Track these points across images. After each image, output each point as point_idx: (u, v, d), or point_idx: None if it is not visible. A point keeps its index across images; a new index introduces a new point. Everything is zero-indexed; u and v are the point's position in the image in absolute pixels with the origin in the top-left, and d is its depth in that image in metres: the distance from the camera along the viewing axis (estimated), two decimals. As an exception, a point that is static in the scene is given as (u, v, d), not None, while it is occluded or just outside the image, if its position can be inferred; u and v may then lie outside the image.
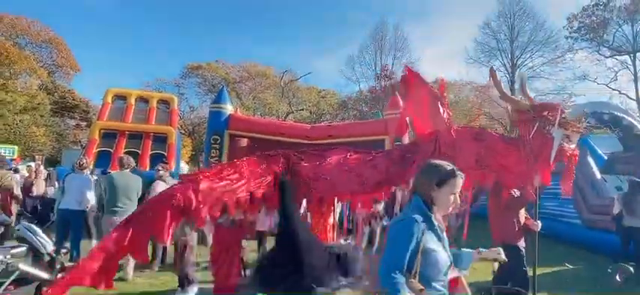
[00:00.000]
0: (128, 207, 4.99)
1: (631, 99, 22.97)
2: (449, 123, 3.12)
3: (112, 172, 6.04)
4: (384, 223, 6.21)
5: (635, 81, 22.49)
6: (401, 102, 10.19)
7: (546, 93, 24.39)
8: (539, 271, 3.59)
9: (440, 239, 1.76)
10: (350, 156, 3.01)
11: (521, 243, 4.04)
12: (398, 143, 9.60)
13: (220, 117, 9.58)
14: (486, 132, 3.11)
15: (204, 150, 10.34)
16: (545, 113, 2.86)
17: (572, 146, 2.97)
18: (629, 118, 7.57)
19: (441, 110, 3.17)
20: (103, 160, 10.62)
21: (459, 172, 1.80)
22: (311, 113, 30.17)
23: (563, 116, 2.85)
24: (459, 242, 3.92)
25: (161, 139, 12.05)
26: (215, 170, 2.86)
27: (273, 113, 28.00)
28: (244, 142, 11.18)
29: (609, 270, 6.06)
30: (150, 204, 2.87)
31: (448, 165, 1.82)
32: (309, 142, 9.81)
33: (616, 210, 6.50)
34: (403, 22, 51.06)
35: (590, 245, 7.31)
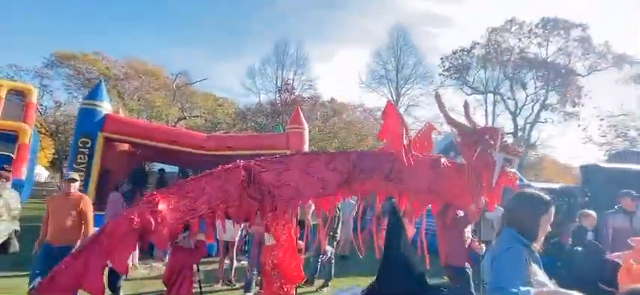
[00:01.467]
0: None
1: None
2: (408, 150, 3.22)
3: None
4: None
5: (487, 116, 27.48)
6: (303, 118, 10.32)
7: (423, 121, 27.98)
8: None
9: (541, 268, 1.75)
10: (310, 161, 3.07)
11: (467, 265, 3.90)
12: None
13: (93, 117, 8.09)
14: (441, 161, 3.23)
15: (70, 153, 8.62)
16: (487, 136, 2.97)
17: (513, 169, 3.11)
18: None
19: (405, 139, 3.27)
20: None
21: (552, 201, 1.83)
22: (206, 121, 28.43)
23: (503, 140, 2.98)
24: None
25: (9, 138, 9.63)
26: (173, 189, 2.80)
27: (163, 118, 25.46)
28: (124, 147, 9.74)
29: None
30: (105, 230, 2.62)
31: (546, 195, 1.85)
32: (205, 153, 9.06)
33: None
34: (303, 42, 52.90)
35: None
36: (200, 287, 3.74)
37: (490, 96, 27.49)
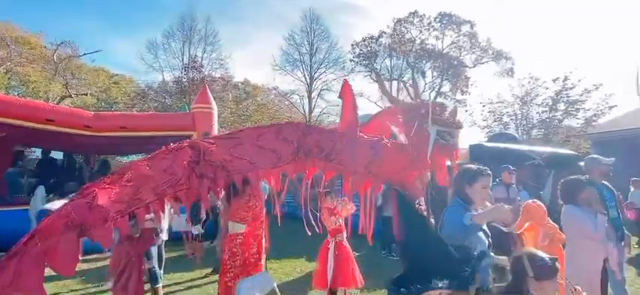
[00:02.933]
0: None
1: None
2: (352, 128, 3.13)
3: None
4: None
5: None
6: (211, 97, 9.64)
7: (335, 105, 28.90)
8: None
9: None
10: (260, 134, 2.96)
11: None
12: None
13: None
14: (381, 142, 3.14)
15: None
16: (422, 111, 2.93)
17: (454, 141, 3.07)
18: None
19: (355, 118, 3.19)
20: None
21: None
22: (98, 100, 25.00)
23: (437, 113, 2.93)
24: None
25: None
26: (112, 178, 2.58)
27: (41, 95, 21.57)
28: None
29: (383, 253, 7.46)
30: (39, 230, 2.39)
31: (476, 167, 2.57)
32: (93, 134, 7.85)
33: (379, 202, 8.02)
34: (213, 19, 49.82)
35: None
36: (149, 277, 3.67)
37: (394, 83, 29.64)
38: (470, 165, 2.40)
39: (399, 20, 28.28)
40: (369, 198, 3.38)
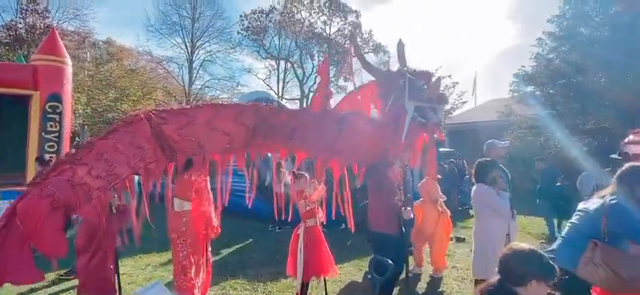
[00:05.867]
0: None
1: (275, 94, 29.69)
2: (318, 104, 2.86)
3: None
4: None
5: (279, 82, 29.27)
6: (63, 48, 7.47)
7: (219, 79, 27.00)
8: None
9: None
10: (217, 113, 2.77)
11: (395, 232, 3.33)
12: (54, 103, 6.97)
13: None
14: (348, 117, 2.77)
15: None
16: (401, 82, 2.46)
17: (437, 118, 2.62)
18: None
19: (324, 94, 2.93)
20: None
21: None
22: None
23: (417, 85, 2.46)
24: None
25: None
26: (83, 154, 2.44)
27: None
28: None
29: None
30: (15, 212, 2.21)
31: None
32: None
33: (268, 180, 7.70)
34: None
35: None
36: (116, 258, 3.34)
37: (282, 63, 29.35)
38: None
39: (289, -2, 27.89)
40: (343, 180, 3.01)
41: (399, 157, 2.90)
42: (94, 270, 3.09)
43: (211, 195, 3.63)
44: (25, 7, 19.41)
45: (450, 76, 21.13)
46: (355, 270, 5.27)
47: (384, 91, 2.79)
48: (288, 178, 7.53)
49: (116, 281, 3.31)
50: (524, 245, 1.67)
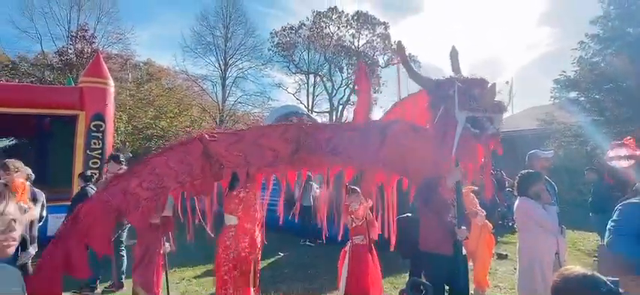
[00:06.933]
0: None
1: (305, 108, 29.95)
2: (361, 116, 2.86)
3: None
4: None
5: (308, 96, 29.55)
6: (106, 70, 7.94)
7: (251, 94, 27.66)
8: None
9: None
10: (264, 132, 2.98)
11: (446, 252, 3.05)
12: (98, 122, 7.38)
13: None
14: (392, 125, 2.73)
15: None
16: (451, 92, 2.31)
17: (495, 128, 2.41)
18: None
19: (366, 105, 2.94)
20: None
21: None
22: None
23: (469, 93, 2.30)
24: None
25: None
26: (138, 168, 2.81)
27: None
28: None
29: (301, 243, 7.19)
30: (80, 213, 2.65)
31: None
32: None
33: (296, 193, 7.72)
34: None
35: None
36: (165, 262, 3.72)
37: (312, 77, 29.62)
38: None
39: (318, 13, 28.29)
40: (387, 195, 2.96)
41: (451, 172, 2.65)
42: (143, 274, 3.50)
43: (261, 213, 3.64)
44: (74, 34, 20.95)
45: (484, 84, 20.41)
46: (390, 288, 5.07)
47: (433, 102, 2.61)
48: (317, 191, 7.53)
49: (163, 283, 3.69)
50: (578, 271, 1.39)
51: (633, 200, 2.21)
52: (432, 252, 2.94)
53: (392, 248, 3.16)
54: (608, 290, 1.30)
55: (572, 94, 13.25)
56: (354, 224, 3.85)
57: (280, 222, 3.71)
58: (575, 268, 1.43)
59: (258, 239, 3.58)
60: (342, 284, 3.78)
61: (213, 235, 3.38)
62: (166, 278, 3.77)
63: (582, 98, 12.91)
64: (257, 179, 3.11)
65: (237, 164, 2.88)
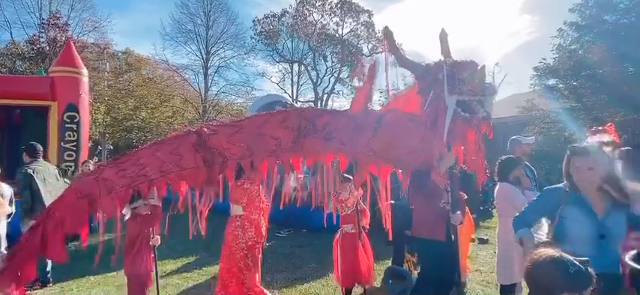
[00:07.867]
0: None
1: (289, 97, 29.71)
2: (358, 104, 2.84)
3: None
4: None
5: (292, 85, 29.28)
6: (78, 58, 7.61)
7: (234, 84, 27.21)
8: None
9: None
10: (265, 121, 2.92)
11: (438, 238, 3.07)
12: (71, 113, 7.09)
13: None
14: (387, 114, 2.73)
15: None
16: (440, 76, 2.30)
17: (486, 111, 2.37)
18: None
19: (365, 93, 2.89)
20: None
21: None
22: None
23: (458, 76, 2.26)
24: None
25: None
26: (123, 158, 2.83)
27: None
28: None
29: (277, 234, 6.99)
30: (55, 203, 2.80)
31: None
32: None
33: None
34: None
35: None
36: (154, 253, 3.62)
37: (296, 66, 29.32)
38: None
39: (301, 1, 27.85)
40: (381, 184, 2.94)
41: (444, 157, 2.63)
42: (133, 265, 3.46)
43: (266, 202, 3.66)
44: (46, 22, 20.06)
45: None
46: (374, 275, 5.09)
47: (423, 87, 2.58)
48: (294, 180, 7.46)
49: (152, 275, 3.60)
50: (548, 252, 1.41)
51: (558, 185, 2.14)
52: (426, 238, 2.95)
53: (390, 238, 3.22)
54: (576, 270, 1.33)
55: (551, 81, 13.52)
56: (343, 213, 3.87)
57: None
58: (545, 250, 1.46)
59: (264, 229, 3.61)
60: (339, 272, 3.86)
61: (203, 232, 3.36)
62: (156, 271, 3.65)
63: (561, 85, 13.19)
64: (261, 169, 3.06)
65: (241, 155, 2.85)
